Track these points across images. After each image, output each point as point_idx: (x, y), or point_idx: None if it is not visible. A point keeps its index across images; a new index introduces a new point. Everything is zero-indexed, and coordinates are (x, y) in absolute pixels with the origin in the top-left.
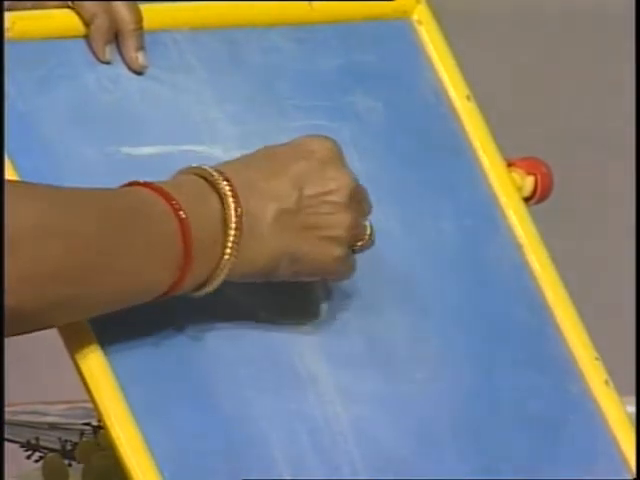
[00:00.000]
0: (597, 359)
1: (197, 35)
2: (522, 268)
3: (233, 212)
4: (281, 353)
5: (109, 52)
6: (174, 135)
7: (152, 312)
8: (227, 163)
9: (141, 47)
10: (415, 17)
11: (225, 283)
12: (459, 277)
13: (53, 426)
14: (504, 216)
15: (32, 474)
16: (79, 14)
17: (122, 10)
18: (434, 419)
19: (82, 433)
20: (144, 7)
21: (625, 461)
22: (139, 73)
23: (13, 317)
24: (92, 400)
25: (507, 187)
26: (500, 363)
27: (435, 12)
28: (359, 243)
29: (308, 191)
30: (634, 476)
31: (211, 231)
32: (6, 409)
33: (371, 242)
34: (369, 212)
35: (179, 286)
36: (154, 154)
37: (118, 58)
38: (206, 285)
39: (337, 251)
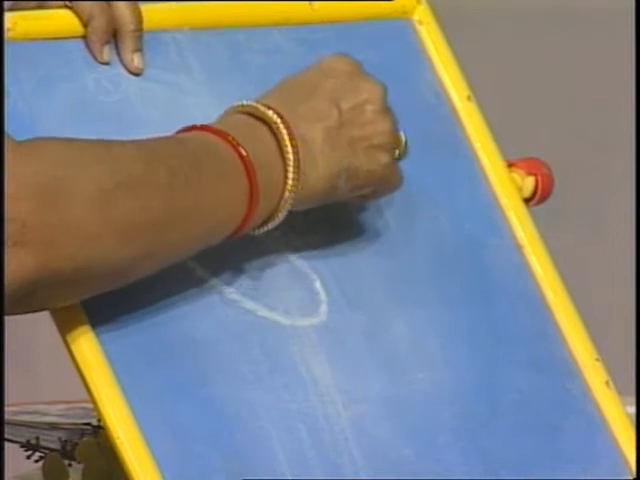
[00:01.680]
0: (597, 360)
1: (198, 35)
2: (522, 269)
3: (288, 140)
4: (283, 353)
5: (107, 53)
6: None
7: (153, 313)
8: (263, 96)
9: (138, 49)
10: (416, 17)
11: (226, 283)
12: (459, 278)
13: (53, 426)
14: (504, 217)
15: (32, 474)
16: (77, 14)
17: (122, 10)
18: (434, 419)
19: (82, 433)
20: (145, 7)
21: (625, 462)
22: (138, 74)
23: (111, 271)
24: (92, 400)
25: (507, 188)
26: (501, 364)
27: (436, 12)
28: (397, 151)
29: (345, 105)
30: (634, 476)
31: (271, 162)
32: (6, 409)
33: (406, 150)
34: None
35: (249, 219)
36: None
37: (117, 59)
38: (273, 217)
39: (385, 158)
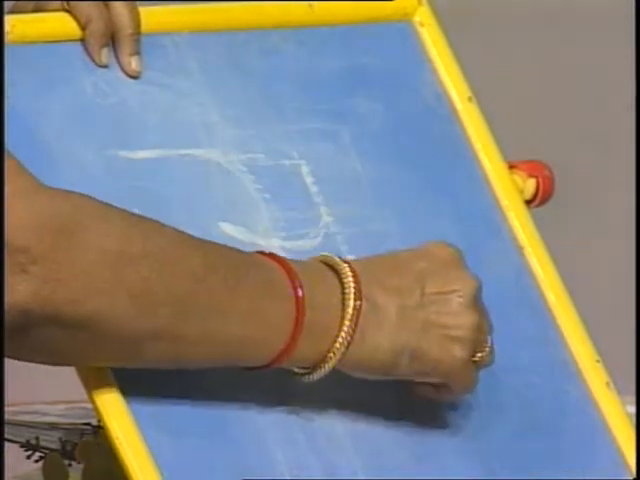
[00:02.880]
0: (598, 361)
1: (197, 38)
2: (523, 270)
3: (352, 292)
4: None
5: (105, 55)
6: (173, 139)
7: None
8: (357, 260)
9: (136, 52)
10: (417, 19)
11: None
12: None
13: (53, 426)
14: (505, 219)
15: (32, 474)
16: (75, 17)
17: (120, 12)
18: (434, 421)
19: (82, 433)
20: (143, 9)
21: (626, 463)
22: (136, 77)
23: (115, 337)
24: (91, 400)
25: (508, 189)
26: (501, 365)
27: (437, 14)
28: (479, 354)
29: (430, 288)
30: (634, 477)
31: (327, 306)
32: (6, 409)
33: (491, 359)
34: (491, 328)
35: (289, 353)
36: (152, 158)
37: (115, 62)
38: (319, 366)
39: (459, 352)
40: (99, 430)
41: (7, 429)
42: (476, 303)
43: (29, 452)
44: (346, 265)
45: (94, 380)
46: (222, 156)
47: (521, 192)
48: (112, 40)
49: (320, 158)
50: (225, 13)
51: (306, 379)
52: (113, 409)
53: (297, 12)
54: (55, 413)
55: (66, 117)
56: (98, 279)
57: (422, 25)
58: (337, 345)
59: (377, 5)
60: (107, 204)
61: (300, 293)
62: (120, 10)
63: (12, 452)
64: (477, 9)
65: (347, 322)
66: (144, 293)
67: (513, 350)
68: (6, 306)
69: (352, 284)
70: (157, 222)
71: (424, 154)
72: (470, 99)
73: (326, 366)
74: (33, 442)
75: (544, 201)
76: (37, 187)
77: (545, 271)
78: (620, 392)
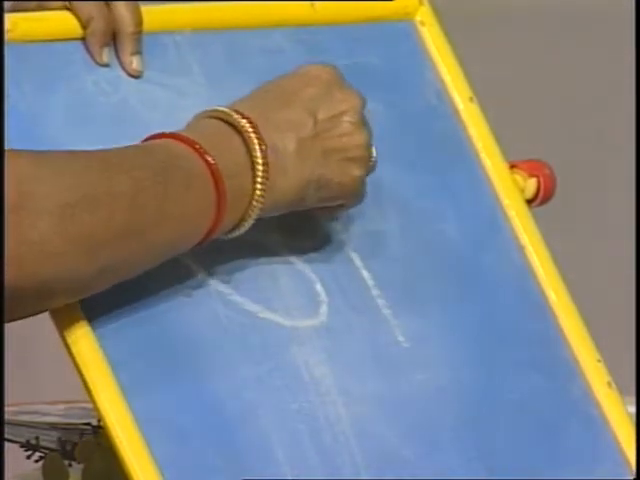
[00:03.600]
0: (599, 361)
1: (198, 37)
2: (524, 270)
3: (258, 148)
4: (282, 355)
5: (106, 55)
6: None
7: (153, 314)
8: (238, 102)
9: (137, 51)
10: (418, 18)
11: (227, 284)
12: (461, 279)
13: (53, 426)
14: (506, 218)
15: (32, 474)
16: (76, 16)
17: (121, 11)
18: (435, 420)
19: (82, 433)
20: (145, 8)
21: (627, 462)
22: (137, 76)
23: (74, 286)
24: (91, 400)
25: (510, 189)
26: (502, 365)
27: (438, 13)
28: (369, 164)
29: (322, 115)
30: (635, 476)
31: (239, 170)
32: (6, 409)
33: (375, 164)
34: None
35: (217, 228)
36: None
37: (116, 61)
38: (240, 224)
39: (358, 171)
40: (99, 430)
41: (7, 429)
42: (363, 120)
43: (29, 452)
44: (244, 120)
45: (94, 380)
46: None
47: (522, 191)
48: (113, 39)
49: None
50: (226, 12)
51: (231, 236)
52: (113, 409)
53: (299, 11)
54: (55, 413)
55: (68, 116)
56: (51, 242)
57: (423, 25)
58: (254, 203)
59: (378, 5)
60: (39, 156)
61: (217, 174)
62: (121, 9)
63: (12, 452)
64: (478, 9)
65: (259, 179)
66: (90, 237)
67: (514, 349)
68: None
69: (255, 140)
70: (83, 155)
71: (425, 154)
72: (471, 99)
73: (245, 224)
74: (33, 442)
75: (545, 200)
76: None
77: (546, 270)
78: (620, 392)
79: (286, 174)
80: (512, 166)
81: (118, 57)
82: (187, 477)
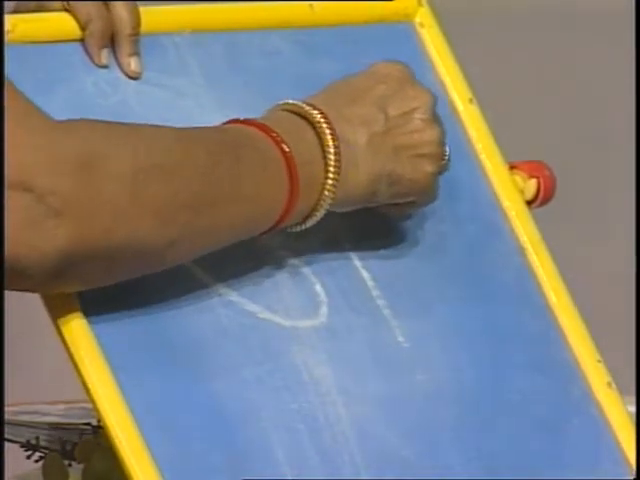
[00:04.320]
0: (599, 361)
1: (197, 38)
2: (524, 271)
3: (330, 141)
4: (282, 355)
5: (105, 56)
6: None
7: (154, 315)
8: (311, 97)
9: (135, 53)
10: (417, 20)
11: (227, 285)
12: (461, 280)
13: (53, 426)
14: (506, 219)
15: (32, 474)
16: (75, 17)
17: (121, 12)
18: (435, 420)
19: (82, 433)
20: (144, 9)
21: (627, 462)
22: (135, 78)
23: (146, 251)
24: (91, 400)
25: (509, 190)
26: (503, 365)
27: (437, 15)
28: (442, 162)
29: (393, 112)
30: (635, 476)
31: (312, 160)
32: (6, 409)
33: (449, 165)
34: (446, 135)
35: (289, 214)
36: None
37: (115, 62)
38: (311, 215)
39: (430, 167)
40: (99, 430)
41: (7, 429)
42: (435, 117)
43: (29, 452)
44: (316, 112)
45: (93, 380)
46: None
47: (522, 192)
48: (112, 40)
49: None
50: (225, 13)
51: (299, 228)
52: (113, 409)
53: (297, 12)
54: (55, 413)
55: (67, 117)
56: (123, 204)
57: (422, 26)
58: (326, 193)
59: (377, 6)
60: (110, 124)
61: (291, 160)
62: (120, 10)
63: (12, 452)
64: (477, 10)
65: (331, 169)
66: (162, 204)
67: (515, 350)
68: (44, 253)
69: (327, 131)
70: (154, 127)
71: None
72: (471, 100)
73: (317, 214)
74: (33, 442)
75: (545, 201)
76: (51, 129)
77: (546, 271)
78: (620, 392)
79: (357, 167)
80: (512, 167)
81: (116, 58)
82: (187, 477)
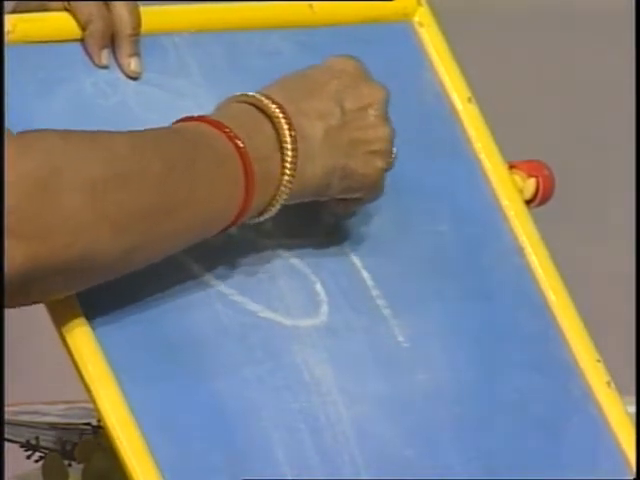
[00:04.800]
0: (599, 361)
1: (197, 38)
2: (523, 270)
3: (288, 134)
4: (282, 355)
5: (105, 56)
6: None
7: (154, 314)
8: (266, 88)
9: (135, 53)
10: (416, 19)
11: (227, 284)
12: (460, 279)
13: (53, 426)
14: (505, 219)
15: (32, 474)
16: (75, 17)
17: (121, 12)
18: (435, 419)
19: (82, 433)
20: (144, 9)
21: (627, 462)
22: (135, 78)
23: (107, 261)
24: (92, 400)
25: (508, 189)
26: (502, 365)
27: (436, 14)
28: (390, 159)
29: (349, 105)
30: (634, 476)
31: (268, 154)
32: (6, 409)
33: (394, 160)
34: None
35: (246, 210)
36: None
37: (115, 62)
38: (268, 209)
39: (381, 163)
40: (99, 430)
41: (7, 429)
42: (386, 113)
43: (29, 452)
44: (274, 105)
45: (94, 380)
46: None
47: (521, 192)
48: (112, 41)
49: None
50: (225, 13)
51: (258, 220)
52: (113, 409)
53: (297, 12)
54: (55, 413)
55: (67, 117)
56: (80, 218)
57: (422, 25)
58: (282, 188)
59: (377, 5)
60: (69, 134)
61: (246, 157)
62: (120, 10)
63: (12, 452)
64: (477, 9)
65: (288, 165)
66: (120, 214)
67: (514, 350)
68: (6, 271)
69: (285, 125)
70: (112, 134)
71: (424, 154)
72: (470, 99)
73: (273, 209)
74: (33, 442)
75: (544, 201)
76: (14, 145)
77: (545, 271)
78: (620, 392)
79: (314, 161)
80: (511, 166)
81: (116, 59)
82: (187, 477)
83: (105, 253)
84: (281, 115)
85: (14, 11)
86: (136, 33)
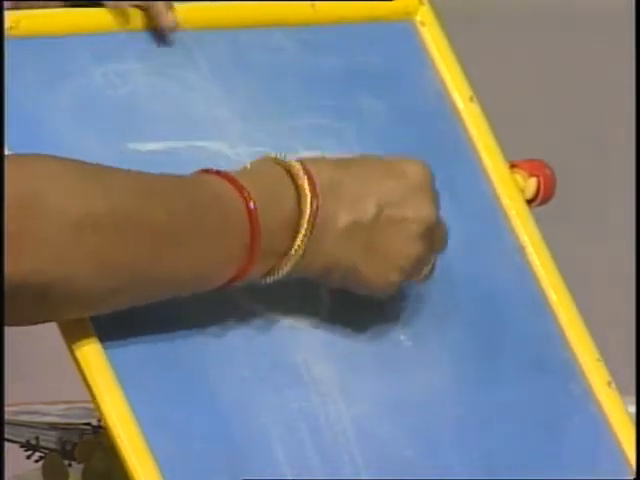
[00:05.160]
0: (599, 360)
1: (202, 35)
2: (524, 269)
3: (308, 211)
4: (284, 353)
5: (172, 17)
6: (181, 131)
7: (155, 312)
8: (315, 158)
9: (171, 6)
10: (418, 18)
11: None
12: (461, 279)
13: (53, 426)
14: (506, 218)
15: (32, 474)
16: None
17: None
18: (436, 420)
19: (82, 433)
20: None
21: (628, 462)
22: (172, 29)
23: (80, 298)
24: (93, 400)
25: (510, 189)
26: (502, 364)
27: (438, 13)
28: (414, 277)
29: (388, 211)
30: (635, 476)
31: (282, 225)
32: (6, 409)
33: (425, 279)
34: (443, 246)
35: (244, 275)
36: (161, 150)
37: (125, 54)
38: (270, 275)
39: (395, 278)
40: (99, 430)
41: (7, 429)
42: (428, 235)
43: (29, 452)
44: (302, 172)
45: (95, 379)
46: (230, 148)
47: (522, 191)
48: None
49: (325, 153)
50: (229, 11)
51: (259, 282)
52: (114, 408)
53: (300, 11)
54: (55, 413)
55: (75, 109)
56: (61, 247)
57: (423, 24)
58: (283, 266)
59: (378, 4)
60: (65, 162)
61: (256, 226)
62: None
63: (12, 452)
64: (478, 8)
65: (300, 237)
66: (107, 255)
67: (514, 349)
68: None
69: (309, 198)
70: (116, 171)
71: (425, 153)
72: (471, 98)
73: (268, 280)
74: (33, 442)
75: (545, 200)
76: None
77: (546, 270)
78: (621, 392)
79: (323, 246)
80: (512, 166)
81: (155, 16)
82: (188, 477)
83: (84, 289)
84: (308, 188)
85: (43, 8)
86: None
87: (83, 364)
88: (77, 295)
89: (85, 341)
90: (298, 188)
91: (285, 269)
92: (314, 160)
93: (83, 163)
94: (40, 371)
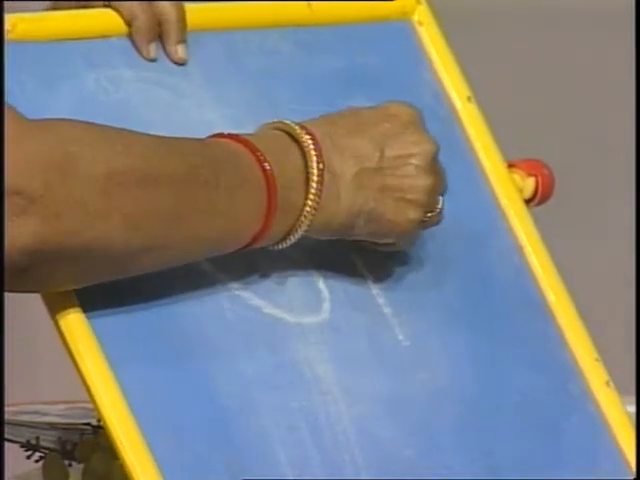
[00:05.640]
0: (598, 360)
1: (196, 37)
2: (523, 269)
3: (315, 166)
4: (285, 352)
5: (153, 50)
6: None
7: (156, 308)
8: (311, 120)
9: (182, 40)
10: (416, 18)
11: (232, 279)
12: (460, 278)
13: (53, 426)
14: (505, 217)
15: (32, 474)
16: (120, 14)
17: (164, 4)
18: (436, 419)
19: (82, 433)
20: None
21: (626, 462)
22: (182, 64)
23: (113, 256)
24: (92, 400)
25: (508, 188)
26: (501, 364)
27: (436, 13)
28: (429, 214)
29: (389, 152)
30: (634, 476)
31: (294, 184)
32: (6, 409)
33: (439, 219)
34: (445, 187)
35: (263, 235)
36: None
37: (118, 60)
38: (286, 238)
39: (412, 214)
40: (99, 430)
41: (7, 429)
42: (433, 166)
43: (29, 452)
44: (308, 136)
45: (94, 380)
46: None
47: (520, 191)
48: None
49: None
50: (224, 12)
51: (275, 248)
52: (114, 409)
53: (296, 12)
54: (55, 413)
55: (68, 114)
56: (93, 206)
57: (421, 24)
58: (302, 219)
59: (376, 4)
60: (89, 125)
61: (272, 181)
62: (163, 3)
63: (12, 452)
64: (476, 8)
65: (311, 196)
66: (135, 210)
67: (513, 349)
68: (8, 250)
69: (314, 157)
70: (136, 133)
71: None
72: (469, 98)
73: (291, 238)
74: (33, 442)
75: (543, 200)
76: (26, 128)
77: (545, 270)
78: (620, 392)
79: (339, 199)
80: (510, 165)
81: (164, 48)
82: (187, 477)
83: (114, 248)
84: (312, 146)
85: (54, 9)
86: (181, 20)
87: (82, 366)
88: (111, 254)
89: (83, 340)
90: (302, 146)
91: (304, 223)
92: (308, 121)
93: (103, 126)
94: (40, 371)
